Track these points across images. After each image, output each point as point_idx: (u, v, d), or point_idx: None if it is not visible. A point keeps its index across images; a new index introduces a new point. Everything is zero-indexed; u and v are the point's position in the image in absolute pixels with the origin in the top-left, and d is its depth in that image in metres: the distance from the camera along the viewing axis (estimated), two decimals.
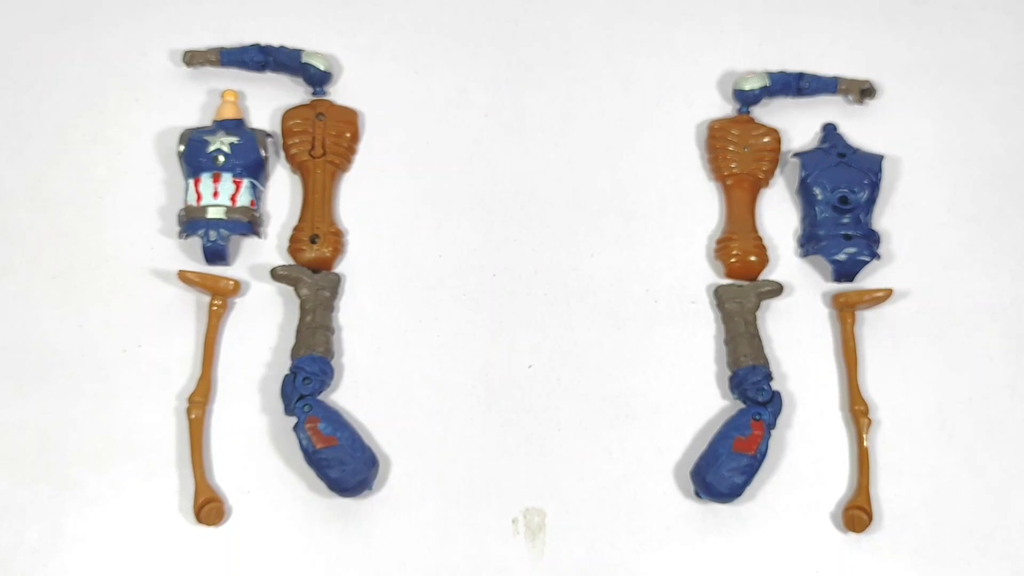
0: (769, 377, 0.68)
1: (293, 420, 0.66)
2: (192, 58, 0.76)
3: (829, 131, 0.76)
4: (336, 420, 0.66)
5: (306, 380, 0.66)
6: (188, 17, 0.79)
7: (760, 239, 0.73)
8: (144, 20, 0.79)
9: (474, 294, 0.72)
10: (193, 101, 0.77)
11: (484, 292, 0.72)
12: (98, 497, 0.66)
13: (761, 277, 0.72)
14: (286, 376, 0.67)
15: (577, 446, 0.68)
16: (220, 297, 0.69)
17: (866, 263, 0.71)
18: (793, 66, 0.78)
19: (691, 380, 0.70)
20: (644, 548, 0.66)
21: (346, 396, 0.69)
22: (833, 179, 0.72)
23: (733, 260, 0.72)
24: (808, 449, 0.69)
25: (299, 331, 0.69)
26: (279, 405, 0.67)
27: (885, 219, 0.74)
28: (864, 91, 0.76)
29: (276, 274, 0.70)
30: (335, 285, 0.70)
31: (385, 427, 0.68)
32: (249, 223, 0.71)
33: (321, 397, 0.67)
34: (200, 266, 0.71)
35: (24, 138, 0.75)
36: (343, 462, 0.64)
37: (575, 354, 0.70)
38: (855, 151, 0.74)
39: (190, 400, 0.67)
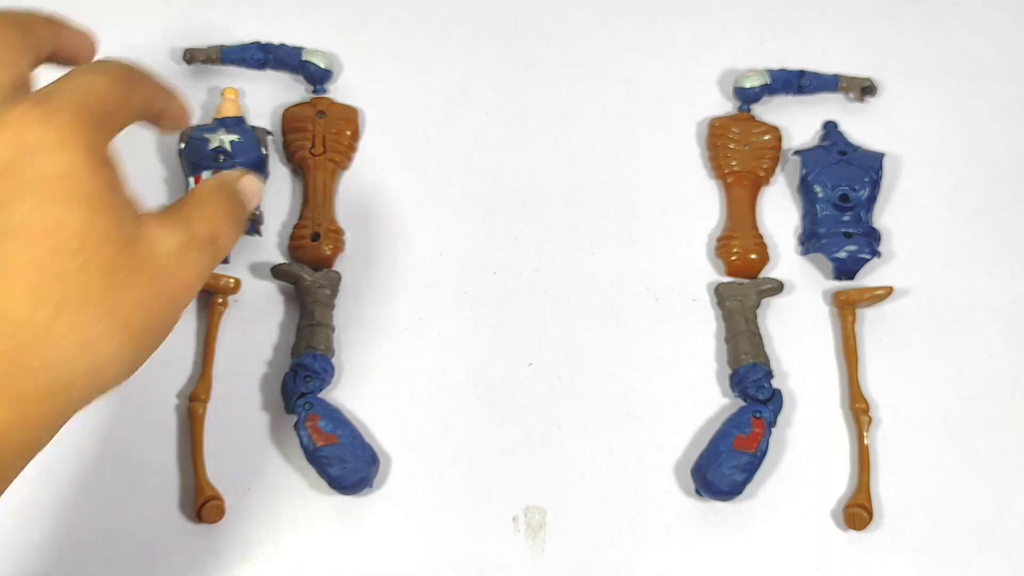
0: (769, 375, 0.68)
1: (293, 418, 0.66)
2: (192, 56, 0.76)
3: (830, 129, 0.76)
4: (336, 418, 0.66)
5: (307, 378, 0.66)
6: (188, 15, 0.79)
7: (760, 237, 0.73)
8: (144, 17, 0.79)
9: (474, 292, 0.72)
10: (193, 99, 0.77)
11: (484, 290, 0.72)
12: (98, 496, 0.66)
13: (762, 275, 0.72)
14: (286, 374, 0.67)
15: (578, 444, 0.69)
16: (220, 295, 0.69)
17: (867, 261, 0.71)
18: (794, 64, 0.78)
19: (691, 378, 0.70)
20: (645, 546, 0.66)
21: (346, 394, 0.69)
22: (834, 177, 0.72)
23: (734, 258, 0.72)
24: (808, 447, 0.69)
25: (299, 329, 0.69)
26: (279, 403, 0.68)
27: (886, 217, 0.74)
28: (865, 89, 0.76)
29: (276, 272, 0.70)
30: (335, 283, 0.70)
31: (385, 425, 0.68)
32: (249, 221, 0.71)
33: (321, 395, 0.67)
34: None
35: None
36: (344, 460, 0.64)
37: (576, 352, 0.71)
38: (856, 149, 0.74)
39: (190, 398, 0.67)
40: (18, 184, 0.40)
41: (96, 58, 0.74)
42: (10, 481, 0.41)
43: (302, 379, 0.67)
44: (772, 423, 0.67)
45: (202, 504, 0.65)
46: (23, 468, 0.41)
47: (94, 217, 0.42)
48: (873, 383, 0.70)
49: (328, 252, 0.71)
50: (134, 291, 0.43)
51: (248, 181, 0.52)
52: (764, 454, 0.66)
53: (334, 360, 0.69)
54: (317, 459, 0.65)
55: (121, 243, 0.43)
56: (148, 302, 0.44)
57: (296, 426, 0.66)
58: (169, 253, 0.45)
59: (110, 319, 0.42)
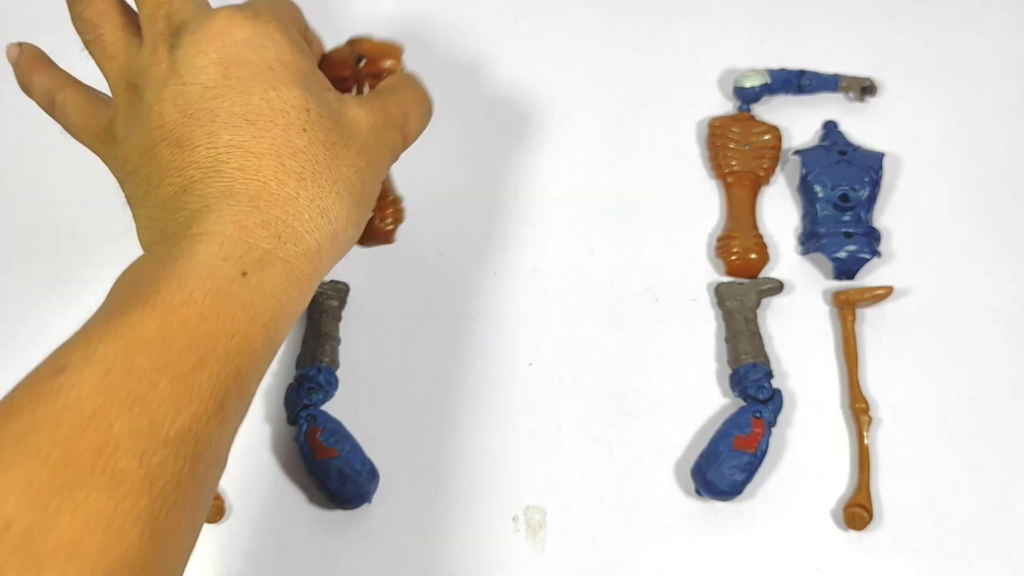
0: (770, 375, 0.68)
1: (295, 429, 0.66)
2: None
3: (830, 128, 0.76)
4: (338, 431, 0.66)
5: (310, 390, 0.66)
6: None
7: (761, 237, 0.73)
8: None
9: (474, 292, 0.72)
10: None
11: (484, 290, 0.72)
12: None
13: (762, 275, 0.72)
14: (290, 385, 0.67)
15: (577, 444, 0.69)
16: None
17: (867, 261, 0.71)
18: (794, 64, 0.77)
19: (691, 378, 0.70)
20: (644, 546, 0.66)
21: (346, 394, 0.69)
22: (834, 177, 0.72)
23: (734, 258, 0.72)
24: (808, 447, 0.69)
25: (305, 340, 0.68)
26: (282, 414, 0.67)
27: (886, 217, 0.74)
28: (865, 88, 0.76)
29: None
30: (343, 294, 0.70)
31: (385, 425, 0.68)
32: None
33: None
34: None
35: (24, 136, 0.75)
36: (343, 474, 0.64)
37: (575, 352, 0.71)
38: (856, 149, 0.74)
39: None
40: (247, 74, 0.46)
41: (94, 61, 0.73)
42: (281, 342, 0.46)
43: (305, 391, 0.66)
44: (772, 423, 0.67)
45: None
46: (290, 329, 0.47)
47: (308, 97, 0.47)
48: (873, 383, 0.70)
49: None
50: (349, 162, 0.49)
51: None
52: (764, 454, 0.66)
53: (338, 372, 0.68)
54: (317, 472, 0.65)
55: (333, 120, 0.48)
56: (360, 172, 0.49)
57: (297, 438, 0.66)
58: (369, 130, 0.51)
59: (338, 188, 0.47)
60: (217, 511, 0.65)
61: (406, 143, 0.55)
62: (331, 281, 0.70)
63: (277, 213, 0.45)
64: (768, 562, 0.66)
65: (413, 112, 0.56)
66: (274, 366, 0.69)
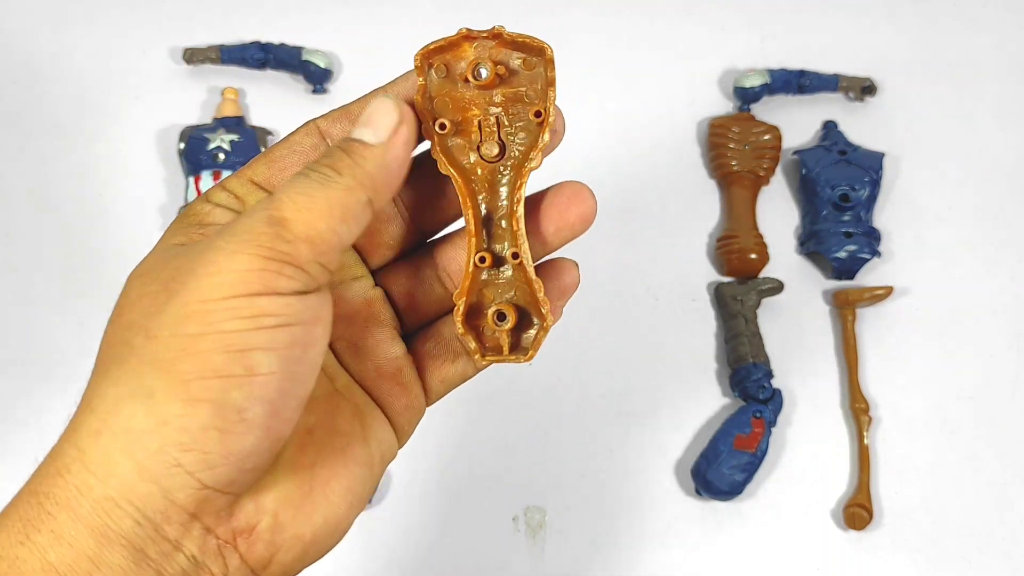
0: (770, 375, 0.68)
1: None
2: (192, 55, 0.76)
3: (830, 128, 0.75)
4: None
5: None
6: (188, 14, 0.79)
7: (761, 237, 0.73)
8: (144, 17, 0.79)
9: None
10: (193, 99, 0.77)
11: None
12: None
13: (762, 275, 0.72)
14: None
15: (578, 444, 0.68)
16: None
17: (867, 260, 0.71)
18: (794, 63, 0.77)
19: (691, 378, 0.70)
20: (644, 546, 0.66)
21: None
22: (834, 177, 0.72)
23: (734, 258, 0.72)
24: (809, 447, 0.69)
25: None
26: None
27: (886, 217, 0.74)
28: (865, 88, 0.76)
29: None
30: None
31: None
32: None
33: None
34: None
35: (24, 136, 0.75)
36: None
37: (576, 352, 0.70)
38: (856, 148, 0.74)
39: None
40: None
41: (94, 61, 0.73)
42: None
43: None
44: (772, 423, 0.67)
45: None
46: None
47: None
48: (873, 383, 0.70)
49: None
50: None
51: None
52: (764, 454, 0.66)
53: None
54: None
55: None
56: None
57: None
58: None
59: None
60: None
61: (288, 243, 0.32)
62: None
63: None
64: (768, 562, 0.66)
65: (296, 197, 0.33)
66: None
